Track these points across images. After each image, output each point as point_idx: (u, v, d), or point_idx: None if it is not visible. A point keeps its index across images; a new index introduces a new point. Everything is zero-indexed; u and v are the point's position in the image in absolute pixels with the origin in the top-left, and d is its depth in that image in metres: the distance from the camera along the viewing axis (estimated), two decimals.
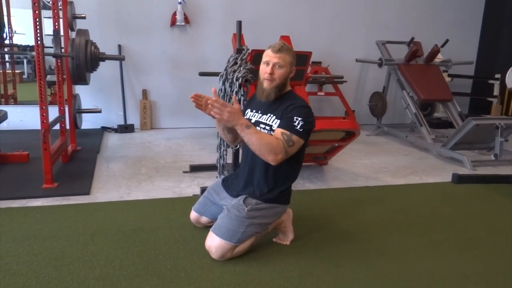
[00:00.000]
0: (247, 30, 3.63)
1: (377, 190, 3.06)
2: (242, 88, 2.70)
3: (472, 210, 2.70)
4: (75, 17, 3.67)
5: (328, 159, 3.54)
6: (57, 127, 3.33)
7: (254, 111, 2.03)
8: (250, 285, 1.69)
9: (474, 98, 6.30)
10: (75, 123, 3.90)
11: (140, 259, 1.85)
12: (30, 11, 2.60)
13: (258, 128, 1.93)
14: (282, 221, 2.06)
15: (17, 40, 4.96)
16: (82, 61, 3.21)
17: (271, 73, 1.88)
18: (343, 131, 3.06)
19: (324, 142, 3.13)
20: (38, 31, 2.67)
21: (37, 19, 2.64)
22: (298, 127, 1.82)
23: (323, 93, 5.17)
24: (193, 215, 2.19)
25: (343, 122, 3.78)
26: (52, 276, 1.69)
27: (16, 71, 5.24)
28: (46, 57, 2.95)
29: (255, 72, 2.58)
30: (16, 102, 4.98)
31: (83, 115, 4.40)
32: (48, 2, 4.28)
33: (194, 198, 2.52)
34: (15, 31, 4.84)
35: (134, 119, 4.92)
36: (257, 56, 2.99)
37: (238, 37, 3.01)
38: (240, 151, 2.45)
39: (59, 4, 3.43)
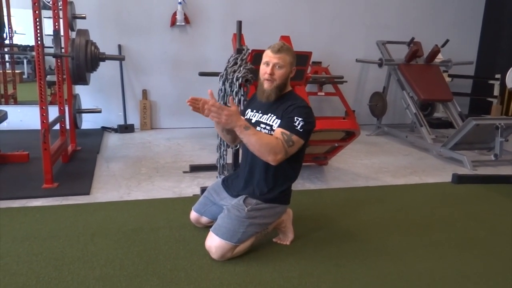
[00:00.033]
0: (247, 30, 3.63)
1: (377, 190, 3.06)
2: (242, 88, 2.70)
3: (472, 210, 2.70)
4: (75, 17, 3.67)
5: (328, 159, 3.54)
6: (57, 127, 3.33)
7: (254, 111, 2.03)
8: (250, 285, 1.69)
9: (474, 98, 6.30)
10: (75, 123, 3.90)
11: (140, 259, 1.85)
12: (30, 11, 2.60)
13: (258, 128, 1.94)
14: (282, 221, 2.06)
15: (17, 40, 4.97)
16: (82, 61, 3.21)
17: (271, 74, 1.88)
18: (343, 131, 3.06)
19: (324, 142, 3.13)
20: (38, 31, 2.67)
21: (37, 19, 2.64)
22: (299, 127, 1.82)
23: (323, 93, 5.17)
24: (193, 215, 2.19)
25: (343, 122, 3.78)
26: (52, 276, 1.69)
27: (16, 71, 5.24)
28: (46, 57, 2.95)
29: (255, 72, 2.58)
30: (16, 102, 4.98)
31: (83, 115, 4.40)
32: (48, 2, 4.28)
33: (194, 198, 2.52)
34: (15, 31, 4.84)
35: (134, 119, 4.92)
36: (257, 56, 2.99)
37: (238, 37, 3.01)
38: (240, 151, 2.45)
39: (59, 4, 3.43)
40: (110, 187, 2.86)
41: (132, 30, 4.74)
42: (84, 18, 3.74)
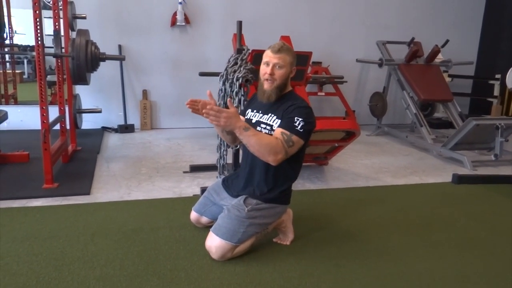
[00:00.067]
0: (247, 30, 3.63)
1: (377, 190, 3.06)
2: (242, 88, 2.70)
3: (472, 210, 2.70)
4: (75, 17, 3.67)
5: (328, 159, 3.54)
6: (57, 127, 3.34)
7: (255, 111, 2.03)
8: (250, 285, 1.69)
9: (474, 98, 6.30)
10: (75, 123, 3.90)
11: (140, 259, 1.85)
12: (31, 11, 2.60)
13: (258, 128, 1.94)
14: (282, 221, 2.06)
15: (18, 40, 4.97)
16: (83, 61, 3.21)
17: (271, 74, 1.88)
18: (343, 131, 3.06)
19: (324, 142, 3.13)
20: (38, 31, 2.67)
21: (38, 19, 2.64)
22: (299, 127, 1.82)
23: (323, 93, 5.17)
24: (193, 215, 2.19)
25: (343, 122, 3.78)
26: (52, 276, 1.69)
27: (17, 71, 5.24)
28: (47, 57, 2.96)
29: (255, 72, 2.58)
30: (16, 102, 4.99)
31: (83, 115, 4.40)
32: (49, 2, 4.28)
33: (194, 198, 2.52)
34: (15, 31, 4.84)
35: (134, 119, 4.92)
36: (257, 56, 2.99)
37: (239, 37, 3.01)
38: (240, 151, 2.45)
39: (60, 4, 3.43)
40: (110, 187, 2.86)
41: (132, 30, 4.74)
42: (84, 18, 3.74)
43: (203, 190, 2.41)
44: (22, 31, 4.89)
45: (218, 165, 2.93)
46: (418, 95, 4.55)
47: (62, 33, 3.50)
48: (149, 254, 1.91)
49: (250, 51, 2.92)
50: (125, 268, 1.77)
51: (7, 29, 4.29)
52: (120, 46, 4.73)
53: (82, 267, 1.77)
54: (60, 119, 3.38)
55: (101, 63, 3.45)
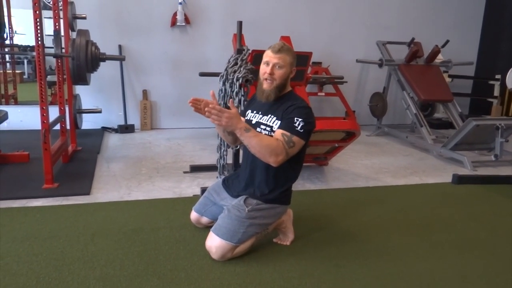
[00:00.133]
0: (247, 30, 3.63)
1: (377, 190, 3.06)
2: (242, 89, 2.70)
3: (472, 210, 2.70)
4: (75, 17, 3.67)
5: (328, 159, 3.54)
6: (57, 127, 3.34)
7: (254, 112, 2.03)
8: (250, 286, 1.69)
9: (474, 98, 6.30)
10: (75, 123, 3.90)
11: (140, 260, 1.85)
12: (31, 11, 2.60)
13: (258, 129, 1.94)
14: (282, 222, 2.06)
15: (18, 40, 4.97)
16: (83, 61, 3.21)
17: (271, 74, 1.88)
18: (343, 131, 3.06)
19: (324, 143, 3.13)
20: (38, 31, 2.67)
21: (38, 19, 2.64)
22: (299, 128, 1.82)
23: (323, 94, 5.17)
24: (194, 215, 2.19)
25: (343, 122, 3.78)
26: (52, 276, 1.69)
27: (17, 71, 5.24)
28: (47, 57, 2.96)
29: (255, 72, 2.58)
30: (16, 102, 4.99)
31: (84, 115, 4.41)
32: (49, 2, 4.28)
33: (195, 198, 2.52)
34: (15, 31, 4.84)
35: (134, 119, 4.92)
36: (257, 56, 2.99)
37: (239, 37, 3.01)
38: (241, 151, 2.45)
39: (60, 4, 3.43)
40: (110, 187, 2.86)
41: (132, 30, 4.74)
42: (84, 18, 3.74)
43: (203, 190, 2.41)
44: (22, 31, 4.89)
45: (218, 165, 2.93)
46: (418, 95, 4.55)
47: (62, 33, 3.50)
48: (149, 254, 1.91)
49: (250, 51, 2.92)
50: (125, 268, 1.77)
51: (7, 29, 4.30)
52: (120, 46, 4.73)
53: (82, 267, 1.77)
54: (60, 119, 3.38)
55: (101, 63, 3.45)
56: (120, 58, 3.89)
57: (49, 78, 3.76)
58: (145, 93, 4.93)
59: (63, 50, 3.56)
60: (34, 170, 3.03)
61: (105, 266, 1.78)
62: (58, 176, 2.93)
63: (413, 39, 5.03)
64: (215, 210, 2.08)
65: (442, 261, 1.98)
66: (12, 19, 4.71)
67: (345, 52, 5.50)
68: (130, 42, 4.77)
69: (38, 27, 2.66)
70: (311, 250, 2.02)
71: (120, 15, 4.69)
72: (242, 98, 2.69)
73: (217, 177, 2.99)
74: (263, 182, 1.94)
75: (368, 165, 3.74)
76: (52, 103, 3.63)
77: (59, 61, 3.40)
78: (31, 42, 4.42)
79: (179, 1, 4.72)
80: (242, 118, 1.88)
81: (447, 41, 4.86)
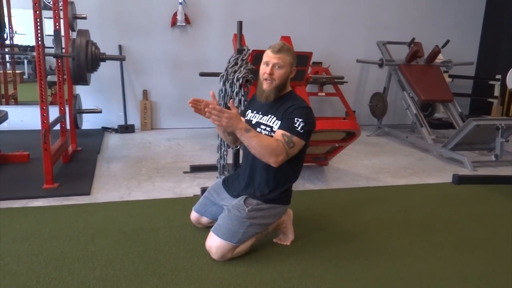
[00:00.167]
0: (247, 30, 3.63)
1: (377, 190, 3.06)
2: (242, 89, 2.70)
3: (472, 211, 2.70)
4: (75, 17, 3.67)
5: (328, 159, 3.54)
6: (57, 127, 3.34)
7: (254, 112, 2.03)
8: (250, 286, 1.69)
9: (474, 99, 6.30)
10: (75, 123, 3.91)
11: (140, 260, 1.85)
12: (31, 11, 2.60)
13: (258, 129, 1.93)
14: (282, 222, 2.06)
15: (18, 40, 4.97)
16: (83, 61, 3.21)
17: (271, 74, 1.87)
18: (343, 131, 3.06)
19: (324, 143, 3.12)
20: (38, 31, 2.67)
21: (38, 19, 2.64)
22: (299, 128, 1.82)
23: (323, 94, 5.17)
24: (194, 215, 2.19)
25: (343, 122, 3.78)
26: (52, 276, 1.69)
27: (17, 72, 5.24)
28: (47, 57, 2.96)
29: (255, 72, 2.58)
30: (16, 102, 4.99)
31: (84, 115, 4.41)
32: (49, 3, 4.28)
33: (195, 198, 2.52)
34: (15, 31, 4.84)
35: (134, 119, 4.92)
36: (257, 56, 2.99)
37: (239, 37, 3.01)
38: (241, 151, 2.45)
39: (60, 5, 3.43)
40: (110, 187, 2.86)
41: (132, 30, 4.74)
42: (84, 18, 3.75)
43: (204, 190, 2.41)
44: (22, 31, 4.89)
45: (219, 165, 2.93)
46: (418, 95, 4.55)
47: (62, 33, 3.50)
48: (149, 254, 1.91)
49: (250, 51, 2.92)
50: (125, 268, 1.77)
51: (7, 29, 4.30)
52: (120, 46, 4.73)
53: (82, 267, 1.77)
54: (61, 119, 3.38)
55: (101, 63, 3.45)
56: (120, 58, 3.89)
57: (49, 78, 3.76)
58: (145, 93, 4.93)
59: (63, 50, 3.56)
60: (34, 170, 3.03)
61: (105, 266, 1.78)
62: (58, 176, 2.93)
63: (413, 39, 5.03)
64: (215, 210, 2.08)
65: (442, 261, 1.98)
66: (12, 19, 4.72)
67: (345, 52, 5.50)
68: (130, 42, 4.77)
69: (38, 27, 2.66)
70: (311, 250, 2.02)
71: (120, 15, 4.69)
72: (242, 98, 2.69)
73: (217, 177, 2.99)
74: (263, 182, 1.94)
75: (368, 165, 3.74)
76: (52, 103, 3.63)
77: (59, 61, 3.40)
78: (31, 42, 4.41)
79: (179, 1, 4.73)
80: (242, 118, 1.88)
81: (447, 41, 4.86)
